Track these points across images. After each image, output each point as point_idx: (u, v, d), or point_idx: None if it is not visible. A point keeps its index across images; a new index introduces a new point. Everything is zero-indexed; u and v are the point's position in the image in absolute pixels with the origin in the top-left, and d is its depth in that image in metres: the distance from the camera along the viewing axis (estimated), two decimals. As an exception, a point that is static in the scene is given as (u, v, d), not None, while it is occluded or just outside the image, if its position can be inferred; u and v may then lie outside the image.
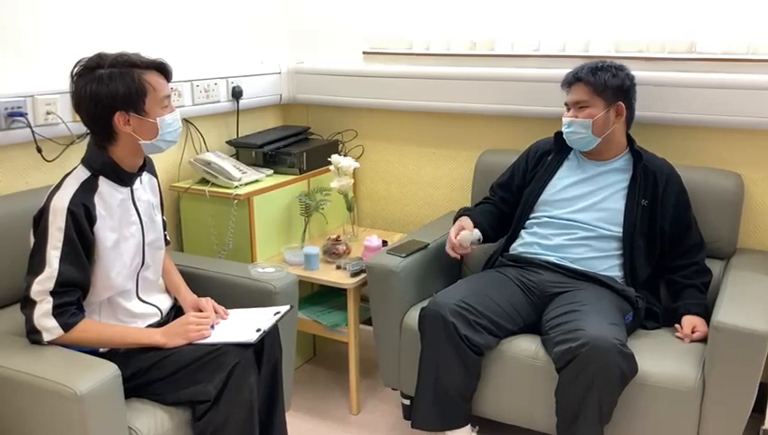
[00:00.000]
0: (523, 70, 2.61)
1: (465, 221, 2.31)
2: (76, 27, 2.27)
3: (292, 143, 2.86)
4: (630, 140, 2.26)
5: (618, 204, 2.20)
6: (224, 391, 1.74)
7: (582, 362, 1.85)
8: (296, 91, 3.08)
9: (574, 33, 2.56)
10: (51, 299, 1.65)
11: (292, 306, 2.03)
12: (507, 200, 2.40)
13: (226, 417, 1.74)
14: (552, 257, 2.22)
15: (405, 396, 2.44)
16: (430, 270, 2.41)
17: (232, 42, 2.89)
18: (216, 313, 1.93)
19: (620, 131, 2.22)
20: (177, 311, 2.00)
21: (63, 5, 2.24)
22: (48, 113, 2.14)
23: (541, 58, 2.61)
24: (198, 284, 2.10)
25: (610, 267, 2.19)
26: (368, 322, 2.49)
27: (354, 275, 2.45)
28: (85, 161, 1.79)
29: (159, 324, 1.89)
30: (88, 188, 1.73)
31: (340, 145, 3.03)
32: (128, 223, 1.83)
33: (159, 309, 1.94)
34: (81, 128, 2.20)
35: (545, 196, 2.30)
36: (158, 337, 1.78)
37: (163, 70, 1.78)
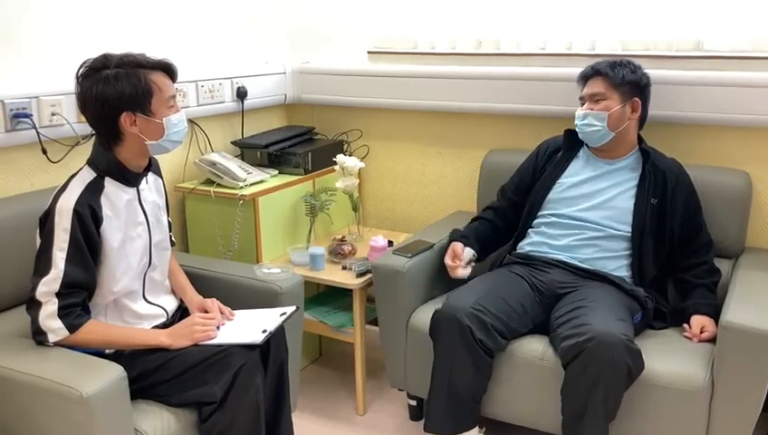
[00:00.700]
0: (528, 69, 2.59)
1: (456, 249, 2.29)
2: (80, 28, 2.27)
3: (297, 143, 2.86)
4: (639, 139, 2.25)
5: (626, 203, 2.19)
6: (230, 392, 1.73)
7: (589, 356, 1.84)
8: (301, 91, 3.08)
9: (580, 32, 2.55)
10: (56, 300, 1.65)
11: (297, 307, 2.02)
12: (520, 203, 2.38)
13: (233, 418, 1.73)
14: (561, 256, 2.21)
15: (411, 397, 2.44)
16: (436, 270, 2.40)
17: (236, 42, 2.89)
18: (221, 314, 1.93)
19: (633, 129, 2.21)
20: (182, 312, 1.99)
21: (68, 7, 2.24)
22: (53, 114, 2.14)
23: (547, 57, 2.60)
24: (204, 284, 2.10)
25: (619, 267, 2.18)
26: (374, 322, 2.49)
27: (360, 275, 2.44)
28: (91, 162, 1.78)
29: (165, 326, 1.89)
30: (94, 189, 1.73)
31: (346, 145, 3.03)
32: (134, 223, 1.82)
33: (165, 310, 1.93)
34: (86, 129, 2.20)
35: (553, 194, 2.29)
36: (164, 338, 1.78)
37: (168, 70, 1.78)
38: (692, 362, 1.93)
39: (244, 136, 2.90)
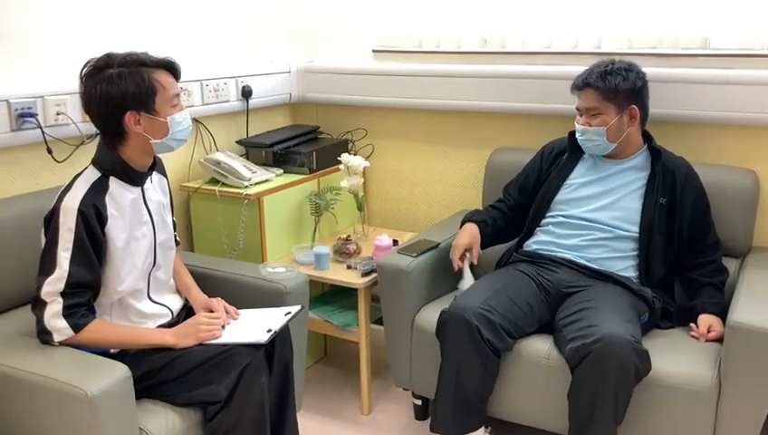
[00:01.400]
0: (534, 67, 2.58)
1: (473, 234, 2.28)
2: (85, 28, 2.27)
3: (301, 142, 2.86)
4: (648, 138, 2.23)
5: (635, 203, 2.17)
6: (235, 391, 1.73)
7: (596, 358, 1.83)
8: (306, 90, 3.07)
9: (586, 30, 2.53)
10: (61, 300, 1.65)
11: (302, 306, 2.02)
12: (523, 203, 2.37)
13: (238, 417, 1.73)
14: (569, 255, 2.20)
15: (416, 396, 2.43)
16: (441, 270, 2.39)
17: (241, 41, 2.89)
18: (226, 313, 1.93)
19: (636, 132, 2.20)
20: (187, 311, 1.99)
21: (72, 7, 2.24)
22: (58, 114, 2.14)
23: (552, 55, 2.59)
24: (209, 284, 2.10)
25: (626, 268, 2.17)
26: (379, 321, 2.48)
27: (365, 274, 2.44)
28: (95, 162, 1.78)
29: (170, 325, 1.89)
30: (99, 189, 1.73)
31: (350, 144, 3.02)
32: (139, 223, 1.82)
33: (170, 309, 1.93)
34: (91, 128, 2.19)
35: (561, 195, 2.27)
36: (169, 338, 1.78)
37: (172, 68, 1.78)
38: (699, 361, 1.92)
39: (249, 135, 2.89)
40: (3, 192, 2.05)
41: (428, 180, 2.97)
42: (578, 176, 2.27)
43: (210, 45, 2.75)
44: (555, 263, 2.20)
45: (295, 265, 2.46)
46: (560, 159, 2.33)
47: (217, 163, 2.59)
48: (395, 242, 2.61)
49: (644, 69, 2.19)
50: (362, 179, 2.74)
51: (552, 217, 2.28)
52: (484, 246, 2.33)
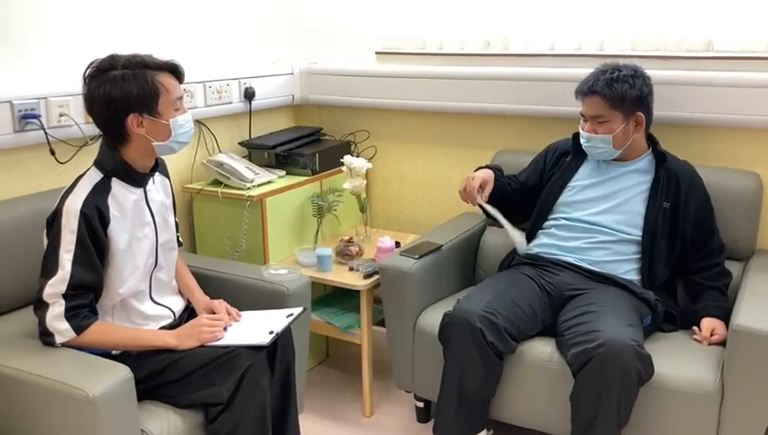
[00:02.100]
0: (537, 69, 2.58)
1: (489, 174, 2.29)
2: (88, 30, 2.27)
3: (304, 144, 2.85)
4: (653, 141, 2.22)
5: (638, 207, 2.17)
6: (236, 393, 1.73)
7: (599, 363, 1.83)
8: (308, 92, 3.07)
9: (589, 32, 2.53)
10: (63, 302, 1.65)
11: (305, 308, 2.02)
12: (520, 193, 2.37)
13: (239, 419, 1.73)
14: (571, 258, 2.20)
15: (418, 398, 2.43)
16: (444, 272, 2.39)
17: (244, 42, 2.89)
18: (228, 314, 1.93)
19: (640, 137, 2.19)
20: (189, 313, 1.99)
21: (75, 8, 2.24)
22: (61, 115, 2.15)
23: (555, 57, 2.58)
24: (211, 285, 2.10)
25: (629, 271, 2.16)
26: (381, 323, 2.48)
27: (367, 276, 2.43)
28: (98, 163, 1.78)
29: (172, 326, 1.89)
30: (101, 190, 1.73)
31: (353, 146, 3.02)
32: (141, 224, 1.82)
33: (172, 311, 1.93)
34: (94, 130, 2.20)
35: (564, 198, 2.27)
36: (171, 339, 1.78)
37: (175, 71, 1.78)
38: (702, 365, 1.92)
39: (252, 137, 2.89)
40: (5, 193, 2.05)
41: (431, 182, 2.96)
42: (581, 178, 2.27)
43: (213, 47, 2.75)
44: (557, 266, 2.20)
45: (297, 267, 2.45)
46: (563, 161, 2.33)
47: (220, 165, 2.59)
48: (397, 244, 2.61)
49: (647, 71, 2.19)
50: (365, 181, 2.74)
51: (555, 219, 2.27)
52: (496, 196, 2.29)
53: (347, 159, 2.72)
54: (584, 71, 2.34)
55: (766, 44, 2.27)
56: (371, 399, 2.56)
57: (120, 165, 1.77)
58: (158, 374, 1.75)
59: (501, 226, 2.28)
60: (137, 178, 1.81)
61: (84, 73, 1.73)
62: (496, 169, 2.36)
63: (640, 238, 2.15)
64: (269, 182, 2.64)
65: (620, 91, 2.08)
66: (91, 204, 1.69)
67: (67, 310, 1.65)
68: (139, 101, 1.70)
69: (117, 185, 1.77)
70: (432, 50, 2.83)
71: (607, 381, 1.83)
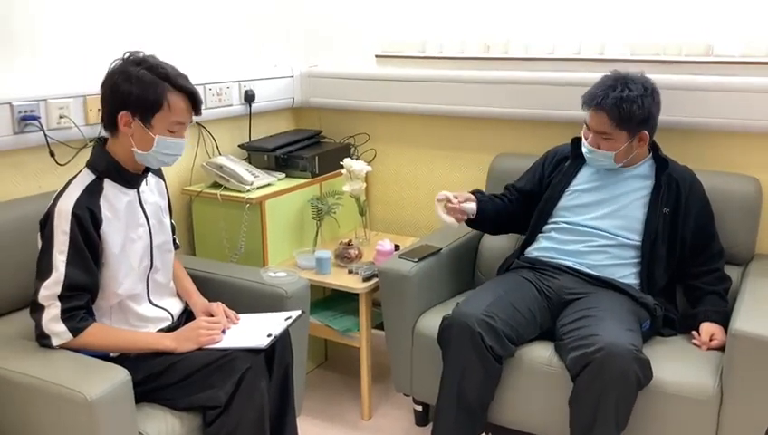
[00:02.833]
0: (537, 73, 2.58)
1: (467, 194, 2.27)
2: (88, 31, 2.28)
3: (304, 147, 2.85)
4: (654, 146, 2.21)
5: (637, 212, 2.17)
6: (234, 396, 1.73)
7: (597, 367, 1.83)
8: (309, 95, 3.07)
9: (589, 37, 2.53)
10: (59, 303, 1.65)
11: (303, 311, 2.02)
12: (519, 202, 2.37)
13: (237, 422, 1.73)
14: (570, 262, 2.20)
15: (417, 402, 2.43)
16: (443, 275, 2.39)
17: (244, 45, 2.89)
18: (226, 317, 1.92)
19: (643, 148, 2.18)
20: (188, 315, 1.99)
21: (76, 10, 2.24)
22: (61, 117, 2.15)
23: (555, 61, 2.58)
24: (210, 288, 2.09)
25: (627, 275, 2.16)
26: (380, 326, 2.48)
27: (366, 279, 2.43)
28: (90, 164, 1.79)
29: (170, 329, 1.88)
30: (93, 191, 1.73)
31: (353, 148, 3.02)
32: (135, 225, 1.82)
33: (170, 313, 1.93)
34: (93, 132, 2.21)
35: (563, 202, 2.27)
36: (169, 342, 1.78)
37: (193, 99, 1.76)
38: (701, 370, 1.92)
39: (252, 139, 2.89)
40: (5, 195, 2.05)
41: (431, 185, 2.96)
42: (581, 183, 2.27)
43: (214, 49, 2.75)
44: (557, 270, 2.20)
45: (296, 270, 2.45)
46: (562, 166, 2.32)
47: (220, 167, 2.59)
48: (396, 247, 2.61)
49: (656, 88, 2.16)
50: (364, 184, 2.74)
51: (555, 223, 2.27)
52: (481, 215, 2.27)
53: (346, 161, 2.72)
54: (584, 75, 2.35)
55: (766, 49, 2.27)
56: (370, 402, 2.56)
57: (112, 165, 1.77)
58: (156, 377, 1.74)
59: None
60: (129, 179, 1.81)
61: (121, 57, 1.74)
62: (476, 192, 2.33)
63: (639, 243, 2.15)
64: (268, 185, 2.64)
65: (628, 111, 2.04)
66: (83, 205, 1.68)
67: (63, 312, 1.65)
68: (138, 103, 1.70)
69: (109, 186, 1.77)
70: (432, 53, 2.83)
71: (606, 385, 1.82)
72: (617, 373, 1.81)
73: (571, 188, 2.27)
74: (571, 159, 2.31)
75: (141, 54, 1.74)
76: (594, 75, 2.40)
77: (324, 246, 2.74)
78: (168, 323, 1.91)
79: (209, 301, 2.00)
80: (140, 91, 1.69)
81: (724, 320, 2.04)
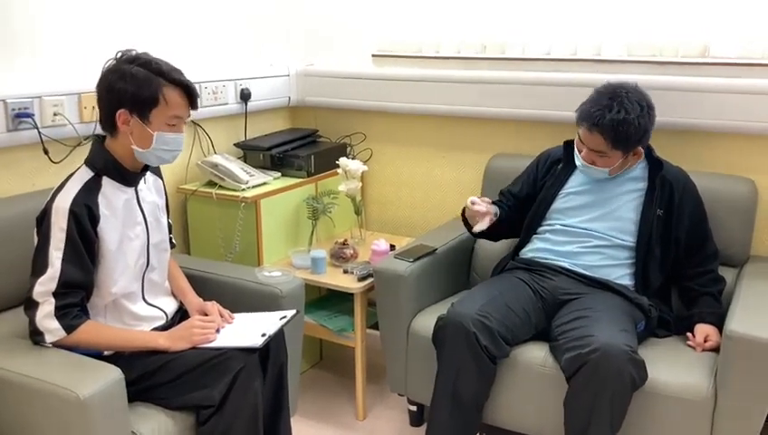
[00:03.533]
0: (533, 73, 2.58)
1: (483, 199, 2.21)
2: (83, 29, 2.27)
3: (300, 146, 2.85)
4: (648, 148, 2.20)
5: (631, 213, 2.16)
6: (228, 395, 1.72)
7: (592, 368, 1.83)
8: (305, 94, 3.07)
9: (586, 37, 2.53)
10: (53, 300, 1.64)
11: (298, 311, 2.01)
12: (516, 208, 2.36)
13: (231, 422, 1.72)
14: (565, 263, 2.19)
15: (412, 402, 2.43)
16: (438, 275, 2.39)
17: (240, 44, 2.88)
18: (221, 317, 1.92)
19: (638, 159, 2.17)
20: (182, 314, 1.98)
21: (71, 8, 2.23)
22: (55, 115, 2.14)
23: (552, 62, 2.58)
24: (204, 287, 2.09)
25: (622, 276, 2.16)
26: (375, 326, 2.47)
27: (361, 279, 2.43)
28: (88, 162, 1.78)
29: (164, 328, 1.87)
30: (91, 188, 1.73)
31: (349, 148, 3.02)
32: (132, 223, 1.81)
33: (165, 312, 1.92)
34: (88, 129, 2.20)
35: (557, 205, 2.26)
36: (163, 341, 1.77)
37: (189, 93, 1.76)
38: (695, 371, 1.92)
39: (247, 138, 2.89)
40: (-2, 193, 2.05)
41: (426, 185, 2.96)
42: (574, 186, 2.26)
43: (209, 48, 2.74)
44: (551, 270, 2.20)
45: (291, 269, 2.44)
46: (555, 168, 2.32)
47: (215, 166, 2.58)
48: (392, 247, 2.61)
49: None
50: (360, 184, 2.74)
51: (549, 225, 2.27)
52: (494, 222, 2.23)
53: (342, 161, 2.71)
54: (580, 75, 2.35)
55: (762, 51, 2.27)
56: (364, 402, 2.55)
57: (110, 163, 1.76)
58: (149, 376, 1.73)
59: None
60: (127, 177, 1.80)
61: (114, 56, 1.73)
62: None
63: (633, 245, 2.15)
64: (264, 184, 2.63)
65: (625, 133, 2.01)
66: (81, 202, 1.68)
67: (57, 309, 1.64)
68: (134, 100, 1.69)
69: (107, 184, 1.76)
70: (429, 53, 2.83)
71: (600, 386, 1.82)
72: (612, 374, 1.81)
73: (564, 190, 2.27)
74: (563, 163, 2.30)
75: (134, 52, 1.74)
76: (590, 76, 2.42)
77: (319, 245, 2.73)
78: (162, 322, 1.90)
79: (204, 300, 1.99)
80: (135, 87, 1.68)
81: (718, 321, 2.04)
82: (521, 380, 2.04)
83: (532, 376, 2.02)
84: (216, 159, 2.62)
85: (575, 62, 2.53)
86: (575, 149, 2.18)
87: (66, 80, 2.19)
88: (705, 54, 2.36)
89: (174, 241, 2.05)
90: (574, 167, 2.25)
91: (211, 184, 2.61)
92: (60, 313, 1.65)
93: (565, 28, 2.56)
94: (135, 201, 1.83)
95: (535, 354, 2.04)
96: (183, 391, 1.73)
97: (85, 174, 1.75)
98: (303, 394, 2.61)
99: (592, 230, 2.19)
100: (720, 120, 2.31)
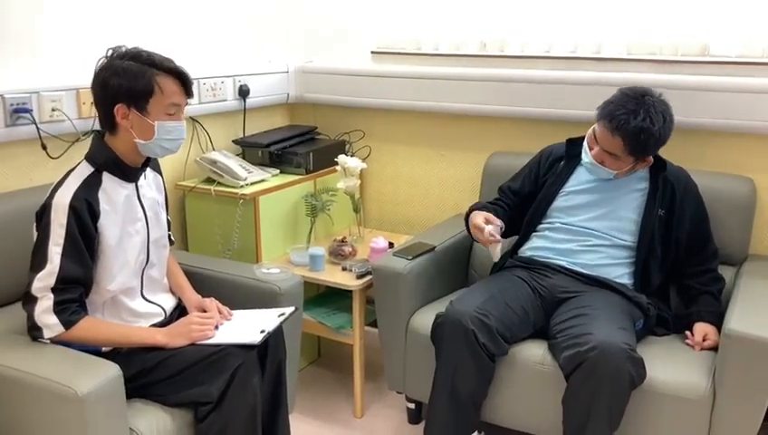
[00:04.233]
0: (533, 71, 2.58)
1: (482, 213, 2.17)
2: (82, 25, 2.26)
3: (298, 143, 2.84)
4: None
5: (632, 213, 2.16)
6: (226, 392, 1.72)
7: (591, 366, 1.83)
8: (304, 91, 3.06)
9: (586, 35, 2.53)
10: (52, 296, 1.64)
11: (296, 308, 2.01)
12: (517, 205, 2.36)
13: (229, 419, 1.72)
14: (563, 262, 2.19)
15: (410, 400, 2.42)
16: (437, 273, 2.39)
17: (239, 40, 2.88)
18: (219, 313, 1.92)
19: (645, 165, 2.17)
20: (180, 311, 1.98)
21: (70, 3, 2.23)
22: (53, 110, 2.13)
23: (551, 60, 2.58)
24: (203, 284, 2.08)
25: (621, 275, 2.16)
26: (373, 324, 2.47)
27: (360, 276, 2.42)
28: (89, 157, 1.77)
29: (163, 324, 1.87)
30: (91, 184, 1.72)
31: (348, 145, 3.01)
32: (133, 219, 1.81)
33: (163, 309, 1.92)
34: (86, 125, 2.20)
35: (558, 203, 2.26)
36: (161, 337, 1.77)
37: (181, 78, 1.76)
38: (694, 370, 1.92)
39: (246, 135, 2.88)
40: (-4, 188, 2.04)
41: (425, 183, 2.96)
42: (575, 184, 2.26)
43: (208, 44, 2.74)
44: (550, 269, 2.19)
45: (290, 266, 2.44)
46: (556, 166, 2.31)
47: (213, 162, 2.58)
48: (391, 244, 2.60)
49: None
50: (359, 181, 2.73)
51: (550, 223, 2.27)
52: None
53: (341, 158, 2.71)
54: (580, 73, 2.34)
55: (762, 50, 2.27)
56: (363, 399, 2.55)
57: (111, 159, 1.76)
58: (147, 372, 1.73)
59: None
60: (128, 173, 1.79)
61: (105, 54, 1.73)
62: (482, 206, 2.30)
63: (634, 245, 2.15)
64: (262, 181, 2.63)
65: (645, 142, 2.00)
66: (81, 197, 1.67)
67: (56, 304, 1.64)
68: (130, 93, 1.69)
69: (108, 179, 1.76)
70: (428, 50, 2.82)
71: (599, 384, 1.82)
72: (610, 372, 1.81)
73: (566, 189, 2.27)
74: (565, 160, 2.30)
75: (123, 48, 1.73)
76: (590, 74, 2.42)
77: (318, 242, 2.73)
78: (160, 318, 1.90)
79: (202, 297, 1.99)
80: (130, 81, 1.68)
81: (717, 320, 2.04)
82: (519, 378, 2.04)
83: (531, 374, 2.02)
84: (215, 155, 2.61)
85: (575, 61, 2.53)
86: (584, 145, 2.15)
87: (65, 75, 2.18)
88: (705, 53, 2.36)
89: (172, 238, 2.05)
90: (576, 164, 2.25)
91: (209, 181, 2.60)
92: (58, 308, 1.64)
93: (565, 26, 2.56)
94: (135, 197, 1.82)
95: (534, 352, 2.04)
96: (181, 387, 1.73)
97: (85, 169, 1.74)
98: (301, 391, 2.61)
99: (592, 229, 2.19)
100: (719, 119, 2.31)
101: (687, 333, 2.09)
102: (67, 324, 1.65)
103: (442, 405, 2.04)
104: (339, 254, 2.56)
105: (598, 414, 1.84)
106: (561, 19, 2.56)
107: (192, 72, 2.52)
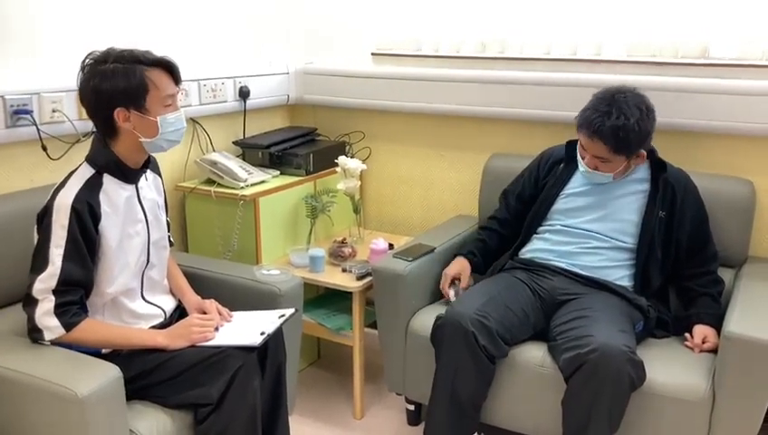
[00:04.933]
0: (533, 73, 2.58)
1: (462, 264, 2.33)
2: (82, 26, 2.26)
3: (298, 144, 2.85)
4: (651, 150, 2.21)
5: (632, 215, 2.16)
6: (226, 394, 1.72)
7: (591, 369, 1.83)
8: (304, 92, 3.07)
9: (585, 37, 2.53)
10: (53, 298, 1.64)
11: (296, 309, 2.01)
12: (520, 211, 2.36)
13: (229, 420, 1.72)
14: (563, 264, 2.20)
15: (409, 401, 2.43)
16: (437, 275, 2.38)
17: (240, 42, 2.88)
18: (219, 315, 1.92)
19: (641, 161, 2.17)
20: (181, 312, 1.98)
21: (70, 4, 2.23)
22: (54, 111, 2.13)
23: (551, 62, 2.58)
24: (203, 285, 2.08)
25: (621, 277, 2.16)
26: (373, 325, 2.47)
27: (360, 278, 2.42)
28: (89, 159, 1.77)
29: (163, 326, 1.87)
30: (93, 186, 1.72)
31: (348, 147, 3.01)
32: (133, 221, 1.81)
33: (163, 310, 1.92)
34: (86, 126, 2.19)
35: (558, 205, 2.26)
36: (161, 339, 1.77)
37: (169, 68, 1.76)
38: (693, 372, 1.92)
39: (246, 136, 2.88)
40: (-4, 189, 2.04)
41: (425, 184, 2.96)
42: (575, 186, 2.26)
43: (209, 45, 2.74)
44: (550, 271, 2.20)
45: (290, 268, 2.44)
46: (556, 169, 2.32)
47: (213, 163, 2.58)
48: (391, 246, 2.61)
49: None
50: (359, 182, 2.73)
51: (550, 225, 2.27)
52: (479, 271, 2.35)
53: (341, 159, 2.71)
54: (580, 75, 2.34)
55: (761, 52, 2.28)
56: (362, 401, 2.55)
57: (112, 161, 1.76)
58: (147, 374, 1.73)
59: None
60: (128, 175, 1.80)
61: (82, 64, 1.72)
62: (470, 254, 2.36)
63: (634, 246, 2.15)
64: (262, 182, 2.63)
65: (625, 139, 2.00)
66: (83, 199, 1.67)
67: (57, 306, 1.64)
68: (126, 95, 1.69)
69: (108, 181, 1.75)
70: (428, 52, 2.82)
71: (599, 386, 1.82)
72: (610, 374, 1.81)
73: (566, 191, 2.27)
74: (565, 163, 2.30)
75: (97, 52, 1.72)
76: (590, 76, 2.42)
77: (318, 244, 2.73)
78: (160, 320, 1.90)
79: (202, 298, 1.99)
80: (123, 82, 1.68)
81: (716, 322, 2.04)
82: (519, 380, 2.04)
83: (531, 376, 2.03)
84: (215, 156, 2.61)
85: (574, 63, 2.53)
86: (578, 157, 2.17)
87: (65, 76, 2.16)
88: (705, 55, 2.36)
89: (172, 239, 2.05)
90: (576, 167, 2.25)
91: (210, 182, 2.60)
92: (59, 310, 1.64)
93: (565, 28, 2.56)
94: (136, 198, 1.82)
95: (534, 354, 2.04)
96: (181, 389, 1.73)
97: (86, 171, 1.74)
98: (301, 393, 2.61)
99: (593, 231, 2.19)
100: (719, 121, 2.31)
101: (687, 335, 2.09)
102: (68, 327, 1.65)
103: (442, 407, 2.04)
104: (339, 255, 2.56)
105: (598, 416, 1.84)
106: (561, 21, 2.57)
107: (193, 74, 2.53)
